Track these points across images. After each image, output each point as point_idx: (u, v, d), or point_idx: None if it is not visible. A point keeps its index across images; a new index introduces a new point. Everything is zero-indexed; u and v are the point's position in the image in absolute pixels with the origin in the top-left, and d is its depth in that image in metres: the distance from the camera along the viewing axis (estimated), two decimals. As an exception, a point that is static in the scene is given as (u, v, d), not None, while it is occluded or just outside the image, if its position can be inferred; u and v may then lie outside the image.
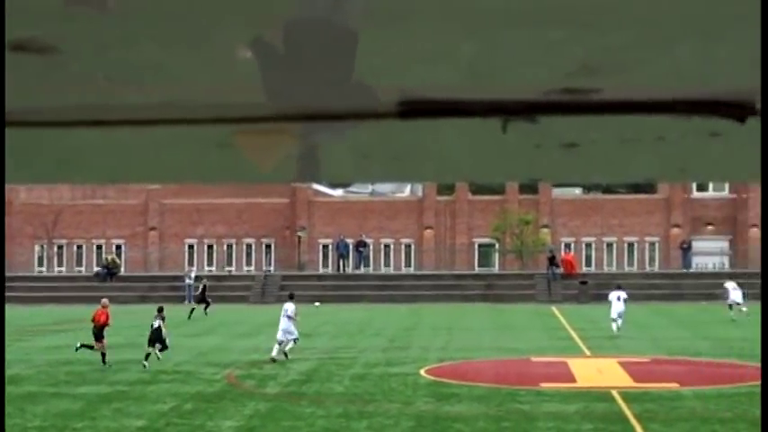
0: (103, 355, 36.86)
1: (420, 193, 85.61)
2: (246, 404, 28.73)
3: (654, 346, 43.51)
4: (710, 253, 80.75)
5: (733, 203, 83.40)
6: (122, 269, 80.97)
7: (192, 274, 75.14)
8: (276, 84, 2.42)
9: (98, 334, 37.51)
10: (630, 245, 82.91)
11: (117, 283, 77.14)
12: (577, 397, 29.61)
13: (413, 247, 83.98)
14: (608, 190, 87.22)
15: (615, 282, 60.53)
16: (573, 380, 33.41)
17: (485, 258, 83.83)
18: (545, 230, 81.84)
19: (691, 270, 77.35)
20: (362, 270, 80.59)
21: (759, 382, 32.54)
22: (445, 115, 2.52)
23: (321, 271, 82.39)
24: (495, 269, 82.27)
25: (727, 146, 2.81)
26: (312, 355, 40.37)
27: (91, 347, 37.45)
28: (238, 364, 37.45)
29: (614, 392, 30.22)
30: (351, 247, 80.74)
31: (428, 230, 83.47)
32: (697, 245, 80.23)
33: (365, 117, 2.55)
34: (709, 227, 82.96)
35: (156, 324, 37.90)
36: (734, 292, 56.23)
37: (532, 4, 2.10)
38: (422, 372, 35.07)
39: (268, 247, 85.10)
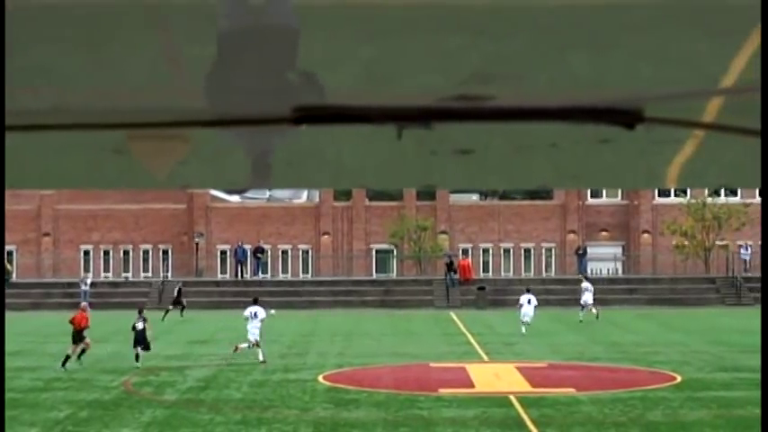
0: (83, 352, 38.03)
1: (317, 199, 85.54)
2: (144, 411, 28.45)
3: (551, 351, 43.94)
4: (604, 259, 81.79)
5: (626, 210, 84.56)
6: (14, 275, 79.69)
7: (88, 281, 74.20)
8: (173, 89, 2.42)
9: (77, 336, 38.17)
10: (527, 250, 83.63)
11: (9, 290, 75.92)
12: (476, 402, 29.80)
13: (310, 252, 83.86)
14: (505, 196, 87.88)
15: (525, 286, 62.12)
16: (471, 385, 33.61)
17: (382, 264, 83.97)
18: (443, 236, 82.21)
19: (586, 275, 78.23)
20: (260, 276, 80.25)
21: (652, 387, 33.03)
22: (340, 121, 2.54)
23: (219, 277, 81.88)
24: (393, 275, 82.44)
25: (617, 153, 2.86)
26: (210, 362, 40.11)
27: (68, 357, 37.82)
28: (135, 372, 37.08)
29: (512, 398, 30.46)
30: (249, 252, 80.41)
31: (325, 236, 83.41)
32: (592, 251, 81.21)
33: (259, 123, 2.55)
34: (603, 233, 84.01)
35: (139, 326, 38.75)
36: (586, 294, 57.54)
37: (427, 11, 2.13)
38: (320, 378, 35.03)
39: (165, 253, 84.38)
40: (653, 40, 2.10)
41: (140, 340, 38.60)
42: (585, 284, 60.44)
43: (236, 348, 40.38)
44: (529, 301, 51.68)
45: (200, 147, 2.58)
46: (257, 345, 39.61)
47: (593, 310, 58.58)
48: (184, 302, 65.59)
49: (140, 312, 40.16)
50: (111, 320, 61.25)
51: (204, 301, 73.44)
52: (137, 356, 38.32)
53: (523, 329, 50.51)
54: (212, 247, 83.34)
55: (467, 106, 2.37)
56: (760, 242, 78.40)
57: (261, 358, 39.15)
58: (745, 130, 2.45)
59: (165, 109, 2.37)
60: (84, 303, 40.66)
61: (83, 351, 38.50)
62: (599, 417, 27.60)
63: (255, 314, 40.00)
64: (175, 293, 66.67)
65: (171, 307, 65.07)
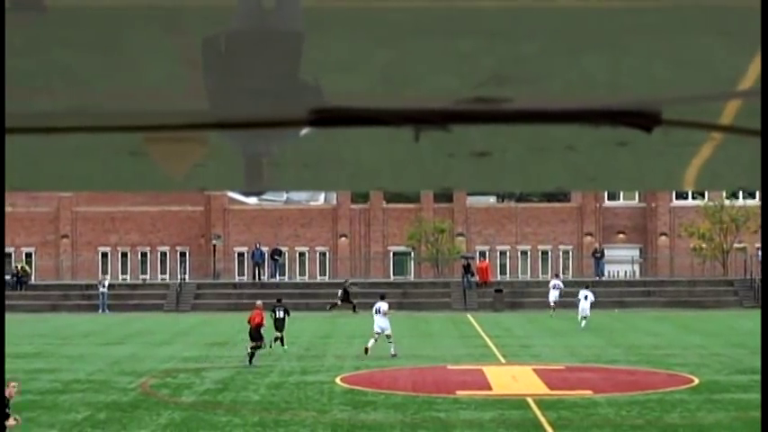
0: (256, 350, 39.74)
1: (334, 201, 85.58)
2: (161, 413, 28.51)
3: (568, 353, 43.88)
4: (622, 261, 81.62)
5: (643, 212, 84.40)
6: (32, 277, 79.92)
7: (106, 283, 74.38)
8: (190, 92, 2.43)
9: (255, 334, 40.02)
10: (544, 253, 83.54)
11: (27, 291, 76.12)
12: (493, 404, 29.78)
13: (327, 255, 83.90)
14: (522, 198, 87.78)
15: (584, 282, 66.76)
16: (489, 387, 33.59)
17: (400, 266, 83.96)
18: (460, 239, 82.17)
19: (603, 278, 78.11)
20: (278, 278, 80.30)
21: (669, 390, 32.96)
22: (357, 124, 2.54)
23: (237, 279, 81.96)
24: (411, 277, 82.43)
25: (634, 155, 2.86)
26: (228, 364, 40.17)
27: (258, 348, 39.94)
28: (153, 373, 37.16)
29: (529, 400, 30.44)
30: (266, 255, 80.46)
31: (343, 239, 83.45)
32: (609, 253, 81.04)
33: (277, 125, 2.55)
34: (621, 235, 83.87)
35: (280, 315, 43.83)
36: (584, 302, 57.54)
37: (444, 14, 2.12)
38: (338, 380, 35.05)
39: (183, 255, 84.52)
40: (670, 42, 2.10)
41: (279, 328, 43.77)
42: (583, 292, 60.18)
43: (366, 350, 42.18)
44: (586, 297, 55.06)
45: (216, 149, 2.59)
46: (388, 337, 42.26)
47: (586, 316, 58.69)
48: (354, 302, 67.95)
49: (279, 301, 46.31)
50: (129, 322, 61.44)
51: (222, 303, 73.53)
52: (276, 340, 42.99)
53: (582, 324, 54.28)
54: (230, 250, 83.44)
55: (484, 108, 2.37)
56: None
57: (392, 351, 41.77)
58: (762, 132, 2.45)
59: (181, 112, 2.38)
60: (259, 302, 42.79)
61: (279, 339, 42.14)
62: (616, 419, 27.55)
63: (380, 309, 42.90)
64: (341, 293, 68.73)
65: (339, 302, 67.77)
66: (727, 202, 77.62)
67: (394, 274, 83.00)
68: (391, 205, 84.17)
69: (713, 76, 2.39)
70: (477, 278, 75.43)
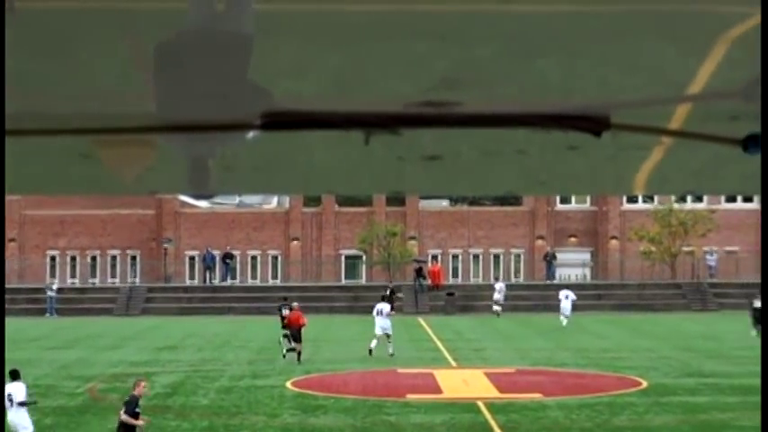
0: (299, 353, 41.35)
1: (287, 205, 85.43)
2: (109, 418, 28.29)
3: (518, 356, 44.02)
4: (573, 264, 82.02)
5: (594, 216, 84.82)
6: (-19, 281, 79.16)
7: (54, 286, 73.82)
8: (142, 95, 2.42)
9: (296, 335, 41.71)
10: (496, 256, 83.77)
11: (-24, 295, 75.42)
12: (444, 408, 29.82)
13: (279, 258, 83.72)
14: (474, 202, 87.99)
15: (564, 283, 69.28)
16: (439, 391, 33.64)
17: (351, 270, 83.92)
18: (412, 242, 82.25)
19: (554, 281, 78.44)
20: (229, 282, 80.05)
21: (618, 393, 33.14)
22: (308, 127, 2.54)
23: (188, 283, 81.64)
24: (362, 281, 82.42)
25: (585, 159, 2.87)
26: (177, 368, 39.99)
27: (292, 350, 41.68)
28: (101, 378, 36.92)
29: (480, 403, 30.50)
30: (217, 258, 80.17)
31: (295, 242, 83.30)
32: (560, 256, 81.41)
33: (228, 129, 2.55)
34: (572, 239, 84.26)
35: (285, 312, 45.12)
36: (565, 301, 59.17)
37: (395, 19, 2.13)
38: (288, 384, 34.98)
39: (133, 258, 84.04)
40: (621, 49, 2.11)
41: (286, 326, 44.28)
42: (564, 292, 61.72)
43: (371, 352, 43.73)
44: (567, 297, 57.55)
45: (167, 152, 2.57)
46: (388, 337, 44.03)
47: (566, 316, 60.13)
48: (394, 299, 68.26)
49: (285, 299, 48.82)
50: (78, 326, 61.02)
51: (173, 306, 73.22)
52: (285, 338, 43.42)
53: (564, 323, 57.10)
54: (181, 253, 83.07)
55: (434, 112, 2.37)
56: (723, 248, 78.99)
57: (372, 345, 43.88)
58: (711, 137, 2.46)
59: (131, 115, 2.35)
60: (295, 303, 45.24)
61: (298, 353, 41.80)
62: (566, 422, 27.67)
63: (381, 311, 44.76)
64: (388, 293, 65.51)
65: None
66: (676, 206, 78.14)
67: (345, 278, 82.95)
68: (343, 209, 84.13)
69: (662, 82, 2.41)
70: (428, 282, 75.57)
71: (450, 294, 73.10)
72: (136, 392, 21.91)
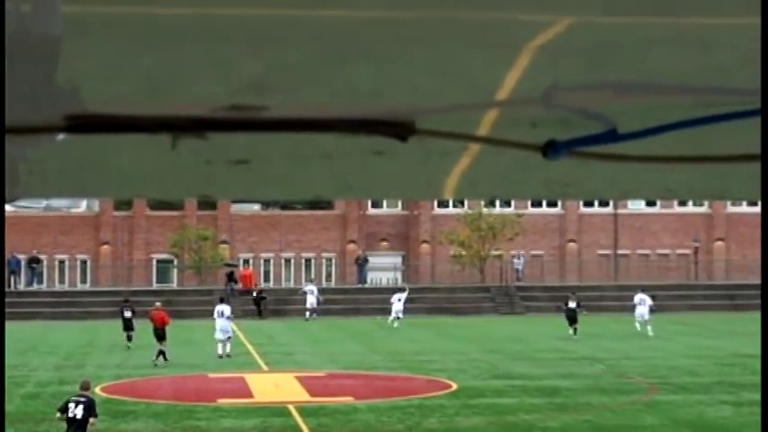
0: (164, 353, 42.46)
1: (97, 209, 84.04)
2: None
3: (330, 360, 44.19)
4: (385, 268, 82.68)
5: (405, 220, 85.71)
6: None
7: None
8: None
9: (161, 334, 43.26)
10: (308, 260, 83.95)
11: None
12: (255, 412, 29.75)
13: (89, 263, 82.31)
14: (286, 206, 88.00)
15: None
16: (250, 395, 33.54)
17: (163, 274, 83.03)
18: (223, 246, 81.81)
19: (366, 285, 78.98)
20: (35, 287, 78.35)
21: (428, 395, 33.56)
22: (113, 131, 2.50)
23: (-8, 288, 79.67)
24: (174, 285, 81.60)
25: (393, 164, 2.91)
26: (-19, 375, 38.96)
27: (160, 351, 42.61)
28: None
29: (291, 407, 30.53)
30: (23, 263, 78.37)
31: (105, 246, 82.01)
32: (372, 260, 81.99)
33: (34, 132, 2.50)
34: (384, 243, 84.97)
35: (127, 314, 48.53)
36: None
37: (202, 21, 2.12)
38: (97, 390, 34.39)
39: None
40: (427, 55, 2.14)
41: (129, 327, 48.37)
42: (398, 295, 63.43)
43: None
44: (642, 302, 54.77)
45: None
46: (229, 339, 45.76)
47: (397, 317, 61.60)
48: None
49: (126, 302, 50.88)
50: None
51: (-24, 312, 71.18)
52: (129, 338, 47.92)
53: (640, 328, 54.41)
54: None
55: (241, 116, 2.37)
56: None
57: (219, 351, 44.90)
58: (514, 143, 2.53)
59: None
60: (158, 303, 46.67)
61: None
62: (377, 425, 27.89)
63: (222, 312, 46.21)
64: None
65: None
66: (485, 211, 79.39)
67: (157, 282, 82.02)
68: (155, 212, 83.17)
69: (468, 88, 2.46)
70: (240, 285, 75.27)
71: (262, 298, 72.90)
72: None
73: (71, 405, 22.78)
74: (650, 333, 54.17)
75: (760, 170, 2.90)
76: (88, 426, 22.67)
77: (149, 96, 2.47)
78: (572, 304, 55.73)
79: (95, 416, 22.86)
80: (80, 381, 24.83)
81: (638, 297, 58.17)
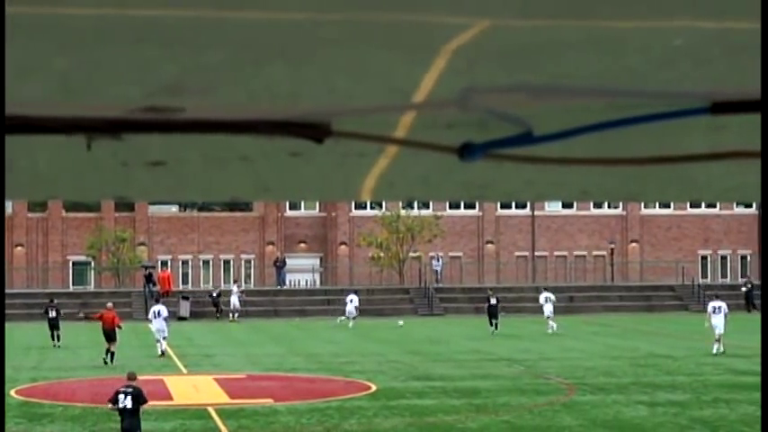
0: (112, 354, 43.36)
1: (10, 210, 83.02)
2: None
3: (249, 362, 44.06)
4: (303, 270, 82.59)
5: (324, 222, 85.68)
6: None
7: None
8: None
9: (112, 334, 44.00)
10: (227, 262, 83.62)
11: None
12: (174, 414, 29.58)
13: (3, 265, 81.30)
14: (204, 208, 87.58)
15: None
16: (170, 398, 33.34)
17: (80, 276, 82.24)
18: (141, 248, 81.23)
19: (284, 287, 78.84)
20: (-51, 289, 77.28)
21: (348, 397, 33.59)
22: (29, 132, 2.48)
23: None
24: (91, 287, 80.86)
25: (309, 166, 2.91)
26: None
27: (108, 351, 43.47)
28: None
29: (210, 409, 30.41)
30: (-63, 265, 77.29)
31: (19, 248, 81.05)
32: (290, 262, 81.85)
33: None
34: (302, 244, 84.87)
35: (52, 314, 51.03)
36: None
37: (118, 22, 2.11)
38: (12, 392, 33.97)
39: None
40: (344, 56, 2.15)
41: (54, 326, 50.68)
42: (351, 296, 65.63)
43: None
44: (717, 309, 50.20)
45: None
46: (164, 339, 46.96)
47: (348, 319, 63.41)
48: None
49: (51, 302, 53.34)
50: None
51: None
52: (56, 337, 50.28)
53: (719, 345, 48.26)
54: None
55: (157, 118, 2.36)
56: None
57: (163, 348, 46.51)
58: (431, 145, 2.54)
59: None
60: (110, 304, 48.16)
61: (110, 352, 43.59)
62: (296, 427, 27.87)
63: (159, 312, 47.30)
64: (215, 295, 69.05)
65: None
66: (403, 212, 79.57)
67: (73, 284, 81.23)
68: (71, 214, 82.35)
69: (385, 91, 2.47)
70: (158, 288, 74.77)
71: (185, 298, 72.44)
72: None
73: (120, 396, 24.36)
74: (552, 330, 56.64)
75: (673, 172, 2.94)
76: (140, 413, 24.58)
77: (64, 97, 2.45)
78: (493, 301, 60.05)
79: (145, 401, 24.63)
80: (126, 372, 26.35)
81: (543, 296, 61.58)
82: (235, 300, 69.26)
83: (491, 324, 58.09)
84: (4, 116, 2.35)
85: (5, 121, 2.47)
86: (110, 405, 24.69)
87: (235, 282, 74.68)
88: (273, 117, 2.52)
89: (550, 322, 57.96)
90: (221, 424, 28.04)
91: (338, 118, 2.55)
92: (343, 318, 64.34)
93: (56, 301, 55.89)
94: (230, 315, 68.65)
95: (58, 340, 50.66)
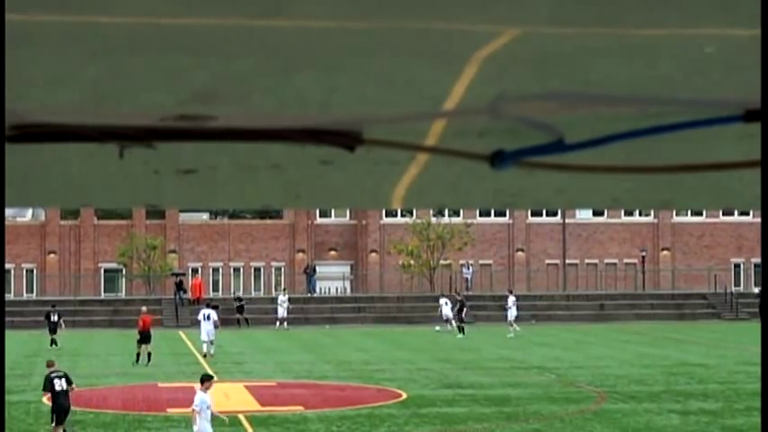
0: (149, 354, 45.80)
1: (43, 218, 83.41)
2: None
3: (279, 369, 44.09)
4: (333, 278, 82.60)
5: (354, 229, 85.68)
6: None
7: None
8: None
9: (148, 337, 46.18)
10: (257, 269, 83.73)
11: None
12: (203, 422, 29.58)
13: (35, 272, 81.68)
14: (235, 215, 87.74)
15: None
16: (199, 405, 33.34)
17: (111, 284, 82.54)
18: (172, 255, 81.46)
19: (315, 294, 78.87)
20: (-19, 296, 77.70)
21: (378, 404, 33.56)
22: (62, 140, 2.49)
23: (-63, 297, 78.88)
24: (122, 294, 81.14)
25: (340, 174, 2.91)
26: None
27: (140, 354, 45.85)
28: None
29: (241, 417, 30.44)
30: (-31, 272, 77.76)
31: (52, 255, 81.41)
32: (320, 269, 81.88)
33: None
34: (332, 252, 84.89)
35: (54, 318, 53.61)
36: (445, 308, 60.64)
37: (151, 30, 2.12)
38: (45, 399, 34.10)
39: None
40: (376, 64, 2.15)
41: (53, 330, 53.22)
42: (444, 299, 65.94)
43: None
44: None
45: None
46: (212, 342, 48.79)
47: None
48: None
49: (54, 306, 56.03)
50: None
51: None
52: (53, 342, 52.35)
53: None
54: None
55: (189, 126, 2.37)
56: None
57: (206, 350, 48.25)
58: (462, 153, 2.54)
59: None
60: (144, 308, 50.18)
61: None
62: (327, 434, 27.85)
63: (209, 316, 49.20)
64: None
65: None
66: (433, 220, 79.50)
67: (105, 292, 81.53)
68: (103, 221, 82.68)
69: (416, 98, 2.47)
70: (189, 295, 74.93)
71: (214, 307, 72.46)
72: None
73: (55, 381, 26.70)
74: (513, 333, 59.65)
75: (717, 180, 2.93)
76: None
77: (97, 105, 2.47)
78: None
79: (72, 381, 27.27)
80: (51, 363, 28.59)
81: (510, 300, 64.14)
82: (283, 310, 69.08)
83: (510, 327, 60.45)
84: (4, 117, 2.36)
85: (39, 129, 2.49)
86: (47, 395, 27.29)
87: (284, 290, 74.23)
88: (305, 125, 2.53)
89: (513, 327, 60.54)
90: (252, 431, 28.06)
91: (369, 126, 2.55)
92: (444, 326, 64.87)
93: (56, 305, 59.10)
94: (277, 323, 68.70)
95: (56, 345, 52.16)
